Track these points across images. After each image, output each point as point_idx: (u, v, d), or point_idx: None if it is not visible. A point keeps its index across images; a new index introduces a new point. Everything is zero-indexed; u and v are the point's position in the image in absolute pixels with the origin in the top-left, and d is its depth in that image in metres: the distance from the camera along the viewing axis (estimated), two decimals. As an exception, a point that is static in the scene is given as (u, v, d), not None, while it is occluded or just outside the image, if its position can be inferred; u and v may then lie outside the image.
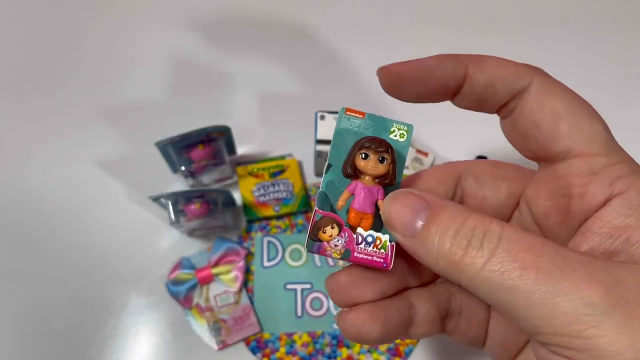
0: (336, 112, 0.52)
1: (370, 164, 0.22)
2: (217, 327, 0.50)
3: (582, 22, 0.69)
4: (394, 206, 0.21)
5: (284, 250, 0.53)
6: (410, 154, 0.55)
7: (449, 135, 0.57)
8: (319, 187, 0.23)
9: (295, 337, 0.50)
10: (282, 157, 0.58)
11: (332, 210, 0.23)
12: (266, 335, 0.50)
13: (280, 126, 0.60)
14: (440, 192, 0.24)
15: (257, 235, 0.54)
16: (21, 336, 0.50)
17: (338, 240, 0.22)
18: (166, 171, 0.53)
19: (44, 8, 0.68)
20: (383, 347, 0.50)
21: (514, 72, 0.21)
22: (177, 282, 0.50)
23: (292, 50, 0.66)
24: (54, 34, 0.66)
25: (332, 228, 0.23)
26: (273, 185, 0.55)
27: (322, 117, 0.52)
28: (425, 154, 0.55)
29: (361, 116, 0.23)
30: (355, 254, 0.22)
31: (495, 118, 0.24)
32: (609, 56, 0.66)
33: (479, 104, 0.23)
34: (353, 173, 0.23)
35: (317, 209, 0.23)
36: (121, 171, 0.57)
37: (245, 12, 0.69)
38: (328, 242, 0.22)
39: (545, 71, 0.22)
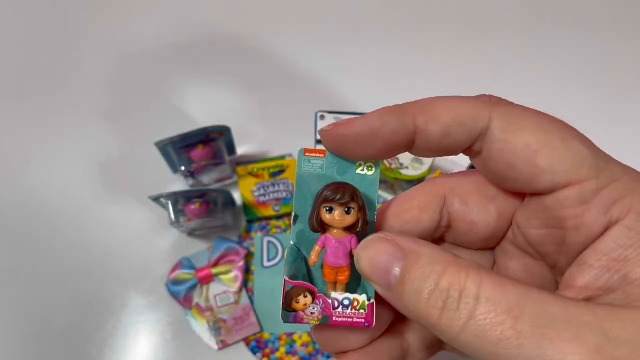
0: (336, 112, 0.52)
1: (337, 218, 0.21)
2: (217, 327, 0.50)
3: (582, 22, 0.69)
4: (366, 257, 0.19)
5: (284, 250, 0.53)
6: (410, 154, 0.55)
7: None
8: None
9: (295, 337, 0.50)
10: (282, 157, 0.58)
11: (307, 266, 0.22)
12: (266, 335, 0.50)
13: (280, 126, 0.60)
14: (423, 222, 0.23)
15: (257, 235, 0.54)
16: (21, 336, 0.50)
17: (314, 308, 0.21)
18: (166, 171, 0.53)
19: (44, 8, 0.68)
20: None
21: (469, 112, 0.19)
22: (177, 282, 0.50)
23: (292, 49, 0.65)
24: (54, 34, 0.66)
25: (305, 297, 0.21)
26: (273, 185, 0.55)
27: (322, 117, 0.52)
28: (425, 154, 0.55)
29: (322, 155, 0.22)
30: (334, 318, 0.21)
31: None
32: (609, 56, 0.66)
33: (438, 152, 0.21)
34: (321, 227, 0.21)
35: (287, 278, 0.21)
36: (121, 171, 0.57)
37: (245, 12, 0.69)
38: (304, 311, 0.21)
39: (503, 99, 0.20)
